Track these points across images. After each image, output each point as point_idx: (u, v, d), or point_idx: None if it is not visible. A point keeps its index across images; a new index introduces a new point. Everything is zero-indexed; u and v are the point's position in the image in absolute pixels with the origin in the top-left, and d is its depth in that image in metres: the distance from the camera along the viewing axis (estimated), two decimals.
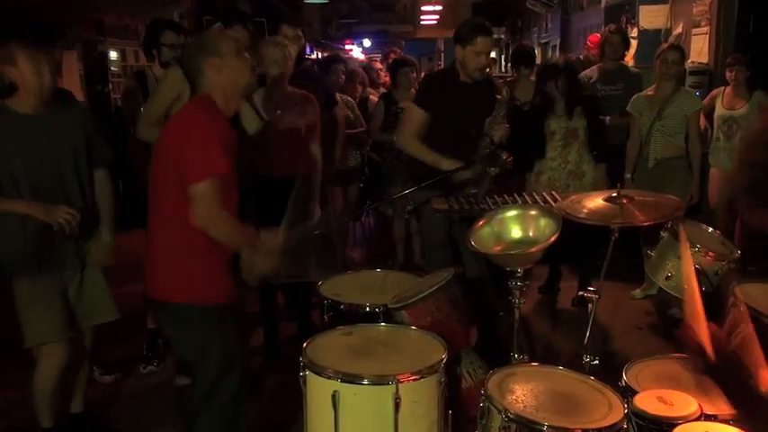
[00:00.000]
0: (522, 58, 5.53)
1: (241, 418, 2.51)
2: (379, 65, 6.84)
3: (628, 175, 4.68)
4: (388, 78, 6.45)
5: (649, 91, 4.68)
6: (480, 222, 2.84)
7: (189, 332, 2.46)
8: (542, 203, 3.03)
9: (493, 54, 6.17)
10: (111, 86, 7.97)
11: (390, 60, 6.71)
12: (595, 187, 4.15)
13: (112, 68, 8.10)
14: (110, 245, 3.02)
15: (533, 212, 2.83)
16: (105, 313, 3.05)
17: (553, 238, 2.58)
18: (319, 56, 10.56)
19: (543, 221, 2.76)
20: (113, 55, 8.11)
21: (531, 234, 2.79)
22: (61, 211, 2.73)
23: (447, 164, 3.39)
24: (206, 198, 2.24)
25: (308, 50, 5.14)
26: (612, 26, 5.65)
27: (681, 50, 4.67)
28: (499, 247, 2.78)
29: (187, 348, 2.54)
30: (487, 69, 3.66)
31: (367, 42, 20.38)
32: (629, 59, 6.47)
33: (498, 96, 3.54)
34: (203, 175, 2.24)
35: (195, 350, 2.48)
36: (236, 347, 2.49)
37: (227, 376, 2.44)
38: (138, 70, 4.20)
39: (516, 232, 2.81)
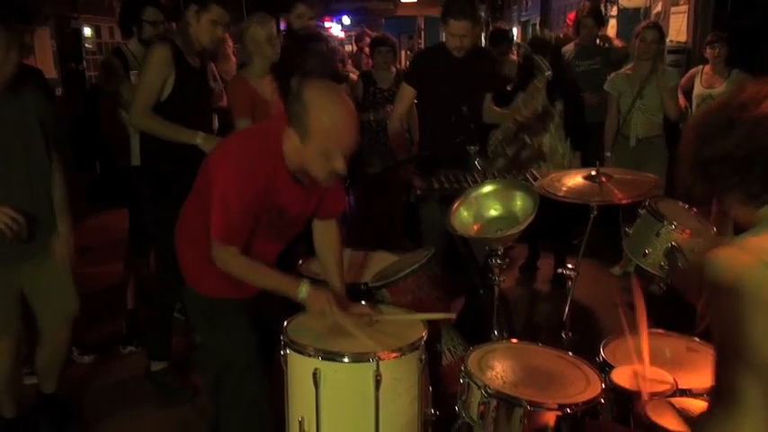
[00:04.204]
0: (498, 39, 5.70)
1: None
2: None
3: (608, 154, 4.70)
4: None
5: (627, 70, 4.68)
6: (456, 203, 2.82)
7: (195, 316, 2.48)
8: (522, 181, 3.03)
9: None
10: (85, 64, 7.83)
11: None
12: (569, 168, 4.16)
13: (87, 45, 7.94)
14: (66, 238, 2.77)
15: (509, 189, 2.81)
16: (63, 307, 2.87)
17: (531, 218, 2.57)
18: None
19: (520, 197, 2.75)
20: (87, 32, 7.94)
21: (508, 211, 2.77)
22: (2, 214, 2.46)
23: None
24: (220, 256, 2.19)
25: (282, 26, 5.05)
26: (586, 5, 5.66)
27: (659, 29, 4.67)
28: (477, 226, 2.77)
29: (197, 331, 2.55)
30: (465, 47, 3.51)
31: (346, 20, 20.14)
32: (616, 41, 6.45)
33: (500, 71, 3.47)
34: (218, 238, 2.16)
35: (202, 336, 2.49)
36: (238, 343, 2.34)
37: (228, 371, 2.33)
38: (115, 47, 4.07)
39: (494, 210, 2.80)
